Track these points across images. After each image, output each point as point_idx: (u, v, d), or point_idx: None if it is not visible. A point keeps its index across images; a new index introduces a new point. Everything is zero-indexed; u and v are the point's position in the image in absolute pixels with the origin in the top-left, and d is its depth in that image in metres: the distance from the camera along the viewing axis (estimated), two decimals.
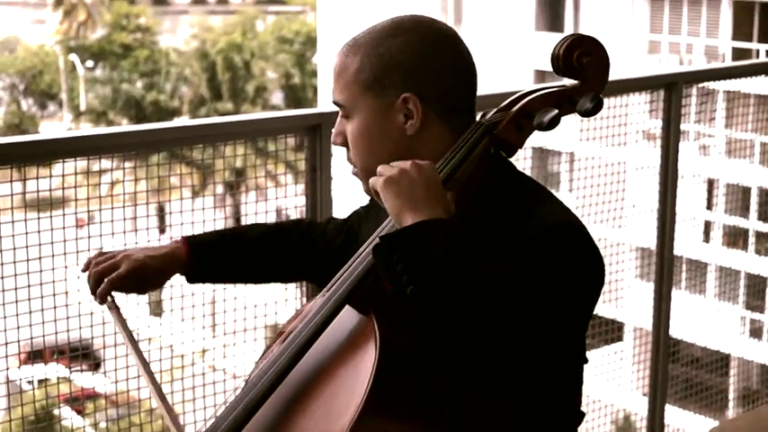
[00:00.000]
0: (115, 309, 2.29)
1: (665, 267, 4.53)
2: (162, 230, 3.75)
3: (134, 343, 2.20)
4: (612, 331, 5.13)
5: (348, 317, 1.96)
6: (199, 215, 3.48)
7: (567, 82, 2.05)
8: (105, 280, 2.31)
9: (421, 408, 1.83)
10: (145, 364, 2.17)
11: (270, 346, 2.19)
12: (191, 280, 2.44)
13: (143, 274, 2.33)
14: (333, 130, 2.13)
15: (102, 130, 4.87)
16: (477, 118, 2.07)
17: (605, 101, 4.41)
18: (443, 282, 1.76)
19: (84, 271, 2.39)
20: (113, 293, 2.33)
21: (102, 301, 2.31)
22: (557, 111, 1.97)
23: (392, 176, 1.89)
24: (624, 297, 4.92)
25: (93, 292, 2.34)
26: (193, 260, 2.38)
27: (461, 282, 1.77)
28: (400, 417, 1.81)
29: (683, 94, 4.54)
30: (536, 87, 2.07)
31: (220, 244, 2.43)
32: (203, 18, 53.97)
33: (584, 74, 2.02)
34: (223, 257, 2.42)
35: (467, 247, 1.80)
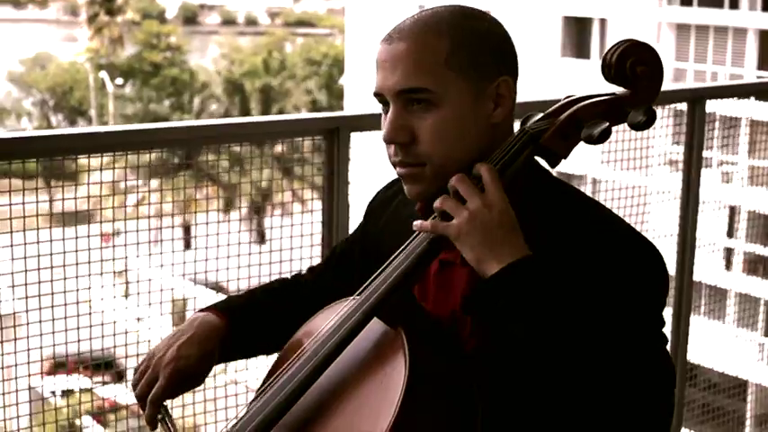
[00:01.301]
0: (168, 423, 2.02)
1: (683, 292, 4.52)
2: (187, 246, 3.76)
3: None
4: None
5: (376, 329, 1.82)
6: (224, 232, 3.49)
7: (618, 90, 1.89)
8: (148, 402, 2.02)
9: (450, 429, 1.74)
10: None
11: (283, 354, 2.03)
12: (225, 358, 2.13)
13: (187, 373, 2.04)
14: (388, 125, 1.87)
15: (121, 127, 4.88)
16: (518, 123, 1.93)
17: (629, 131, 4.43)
18: (552, 317, 1.67)
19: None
20: (165, 404, 2.05)
21: (152, 425, 2.02)
22: (608, 123, 1.82)
23: (462, 226, 1.74)
24: None
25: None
26: (232, 329, 2.10)
27: (564, 313, 1.68)
28: None
29: (707, 119, 4.52)
30: (585, 95, 1.90)
31: (246, 305, 2.18)
32: (232, 39, 54.18)
33: (636, 84, 1.86)
34: (254, 319, 2.17)
35: (552, 278, 1.71)
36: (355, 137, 3.49)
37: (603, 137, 1.82)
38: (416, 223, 1.81)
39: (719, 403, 5.61)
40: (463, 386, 1.76)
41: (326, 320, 1.89)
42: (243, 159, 3.78)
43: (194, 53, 52.63)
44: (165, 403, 2.04)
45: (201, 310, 2.12)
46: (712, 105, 4.64)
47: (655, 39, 25.48)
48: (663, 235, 4.68)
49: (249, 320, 2.15)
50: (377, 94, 1.91)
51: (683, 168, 4.48)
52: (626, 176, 4.68)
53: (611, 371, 1.69)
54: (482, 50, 1.85)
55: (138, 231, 3.42)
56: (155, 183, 3.60)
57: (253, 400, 1.93)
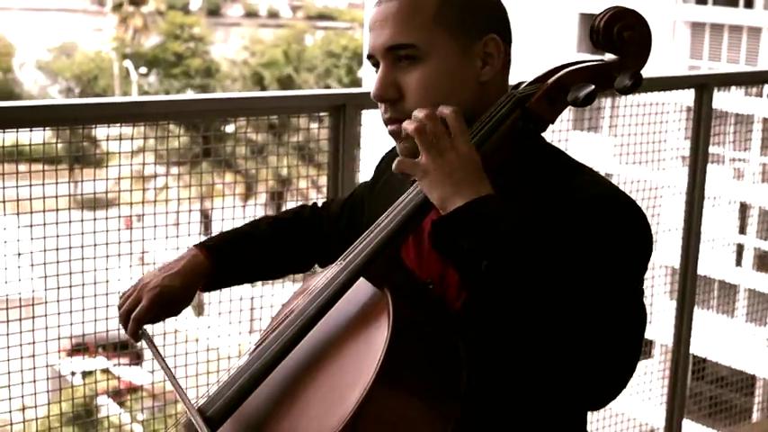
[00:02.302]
0: (149, 342, 2.14)
1: (687, 285, 4.50)
2: (206, 231, 3.77)
3: (169, 372, 2.02)
4: (643, 349, 5.10)
5: (362, 290, 1.82)
6: (241, 217, 3.49)
7: (606, 57, 1.89)
8: (131, 318, 2.13)
9: (433, 387, 1.73)
10: (181, 393, 1.96)
11: (276, 316, 2.06)
12: (208, 288, 2.26)
13: (168, 299, 2.15)
14: (376, 82, 1.88)
15: (134, 98, 4.88)
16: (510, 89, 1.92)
17: (643, 125, 4.42)
18: (514, 251, 1.66)
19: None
20: (145, 327, 2.17)
21: (135, 338, 2.15)
22: (593, 86, 1.81)
23: (428, 166, 1.73)
24: (656, 316, 4.89)
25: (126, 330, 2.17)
26: (216, 266, 2.20)
27: (527, 250, 1.66)
28: (411, 394, 1.71)
29: (719, 115, 4.50)
30: (573, 61, 1.90)
31: (236, 243, 2.26)
32: (254, 31, 54.21)
33: (624, 49, 1.85)
34: (243, 256, 2.25)
35: (520, 217, 1.70)
36: (368, 115, 3.48)
37: (589, 99, 1.81)
38: (395, 163, 1.79)
39: (727, 397, 5.60)
40: (448, 343, 1.75)
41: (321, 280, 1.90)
42: (263, 147, 3.79)
43: (217, 44, 52.69)
44: (145, 327, 2.17)
45: (195, 246, 2.22)
46: (725, 102, 4.62)
47: (670, 37, 25.39)
48: (674, 229, 4.67)
49: (236, 257, 2.24)
50: (369, 56, 1.92)
51: (689, 155, 4.45)
52: (639, 171, 4.68)
53: (582, 312, 1.68)
54: (470, 8, 1.86)
55: (160, 219, 3.43)
56: (175, 170, 3.60)
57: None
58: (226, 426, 1.88)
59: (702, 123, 4.39)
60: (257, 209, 4.00)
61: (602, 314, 1.70)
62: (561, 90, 1.85)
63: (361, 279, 1.83)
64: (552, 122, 1.88)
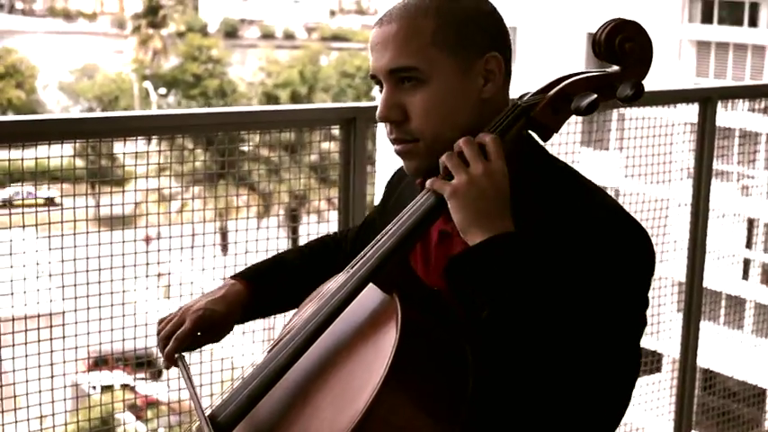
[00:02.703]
0: (184, 368, 2.10)
1: (693, 299, 4.48)
2: (224, 249, 3.77)
3: (198, 402, 2.05)
4: (652, 362, 5.09)
5: (371, 295, 1.82)
6: (261, 238, 3.49)
7: (609, 68, 1.89)
8: (172, 339, 2.10)
9: (440, 391, 1.72)
10: (195, 397, 1.95)
11: (292, 317, 2.06)
12: (244, 319, 2.23)
13: (211, 323, 2.13)
14: (381, 104, 1.88)
15: (150, 112, 4.89)
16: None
17: (650, 139, 4.41)
18: (516, 305, 1.66)
19: (157, 345, 2.19)
20: (183, 353, 2.13)
21: (171, 361, 2.10)
22: (595, 95, 1.81)
23: (459, 187, 1.74)
24: (664, 330, 4.87)
25: (163, 353, 2.13)
26: (254, 295, 2.20)
27: (535, 298, 1.67)
28: (419, 400, 1.69)
29: (727, 134, 4.49)
30: (577, 71, 1.91)
31: (270, 272, 2.27)
32: (270, 52, 54.37)
33: (625, 59, 1.85)
34: (277, 285, 2.25)
35: (533, 256, 1.70)
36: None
37: (591, 108, 1.82)
38: (428, 182, 1.79)
39: (737, 411, 5.57)
40: (455, 348, 1.75)
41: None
42: (278, 166, 3.78)
43: (234, 65, 52.86)
44: (184, 354, 2.13)
45: (231, 277, 2.23)
46: (731, 119, 4.60)
47: (676, 55, 25.37)
48: (681, 243, 4.66)
49: (272, 286, 2.25)
50: (372, 76, 1.92)
51: (694, 168, 4.43)
52: (646, 187, 4.67)
53: (581, 349, 1.68)
54: (468, 28, 1.85)
55: (177, 236, 3.43)
56: (196, 189, 3.61)
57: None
58: (237, 430, 1.87)
59: (707, 136, 4.38)
60: (273, 226, 3.99)
61: (599, 348, 1.71)
62: (565, 99, 1.85)
63: (371, 285, 1.83)
64: (556, 131, 1.88)
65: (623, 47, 1.84)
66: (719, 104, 4.41)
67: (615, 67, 1.88)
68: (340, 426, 1.67)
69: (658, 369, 5.10)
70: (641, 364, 1.81)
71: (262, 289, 2.22)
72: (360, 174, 3.47)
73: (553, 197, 1.82)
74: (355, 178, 3.47)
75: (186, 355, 2.14)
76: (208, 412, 1.91)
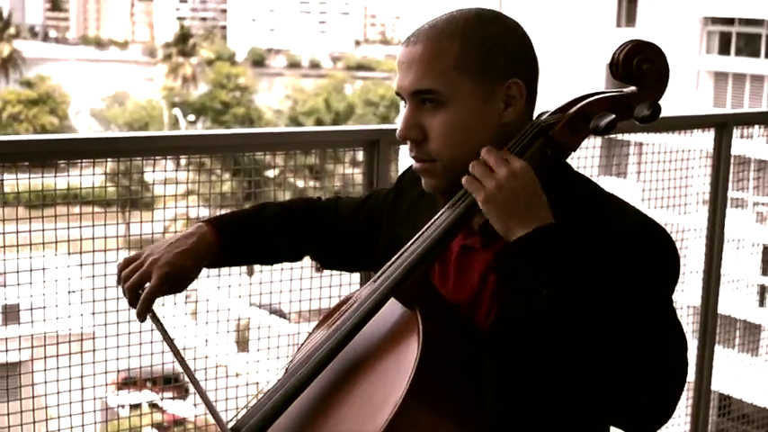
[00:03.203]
0: (155, 320, 2.07)
1: (708, 324, 4.46)
2: (250, 272, 3.78)
3: (175, 349, 2.00)
4: None
5: (393, 309, 1.82)
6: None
7: (626, 88, 1.88)
8: (141, 297, 2.05)
9: (461, 404, 1.72)
10: (188, 371, 1.97)
11: (312, 332, 2.02)
12: (214, 264, 2.18)
13: (177, 276, 2.07)
14: (402, 123, 1.88)
15: (174, 132, 4.88)
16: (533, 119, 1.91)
17: (669, 163, 4.40)
18: (573, 279, 1.69)
19: (118, 283, 2.15)
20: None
21: (143, 319, 2.06)
22: (614, 116, 1.81)
23: (489, 192, 1.75)
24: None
25: (131, 304, 2.08)
26: (224, 245, 2.14)
27: (583, 281, 1.70)
28: (440, 411, 1.70)
29: (742, 161, 4.47)
30: (594, 91, 1.91)
31: (244, 225, 2.20)
32: (296, 80, 54.61)
33: (643, 80, 1.84)
34: (249, 239, 2.20)
35: (575, 247, 1.72)
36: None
37: (609, 128, 1.81)
38: (463, 179, 1.80)
39: None
40: (475, 362, 1.75)
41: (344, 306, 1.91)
42: (306, 192, 3.79)
43: (261, 93, 53.09)
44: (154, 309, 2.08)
45: (205, 223, 2.16)
46: (747, 148, 4.59)
47: (694, 86, 25.34)
48: (698, 271, 4.64)
49: (244, 241, 2.19)
50: (397, 93, 1.92)
51: (710, 192, 4.41)
52: (664, 215, 4.66)
53: (627, 340, 1.70)
54: (492, 54, 1.84)
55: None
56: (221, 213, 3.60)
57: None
58: None
59: (722, 162, 4.36)
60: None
61: (646, 338, 1.72)
62: (583, 119, 1.85)
63: (392, 299, 1.83)
64: (574, 150, 1.88)
65: (641, 68, 1.83)
66: (736, 132, 4.40)
67: (632, 88, 1.87)
68: None
69: None
70: (685, 338, 1.81)
71: (233, 242, 2.16)
72: None
73: (578, 211, 1.83)
74: None
75: (158, 307, 2.11)
76: (231, 424, 1.91)
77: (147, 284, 2.06)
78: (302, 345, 2.04)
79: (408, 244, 1.85)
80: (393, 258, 1.86)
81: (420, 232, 1.84)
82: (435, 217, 1.84)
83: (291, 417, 1.87)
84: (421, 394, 1.67)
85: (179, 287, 2.11)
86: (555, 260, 1.70)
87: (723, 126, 4.34)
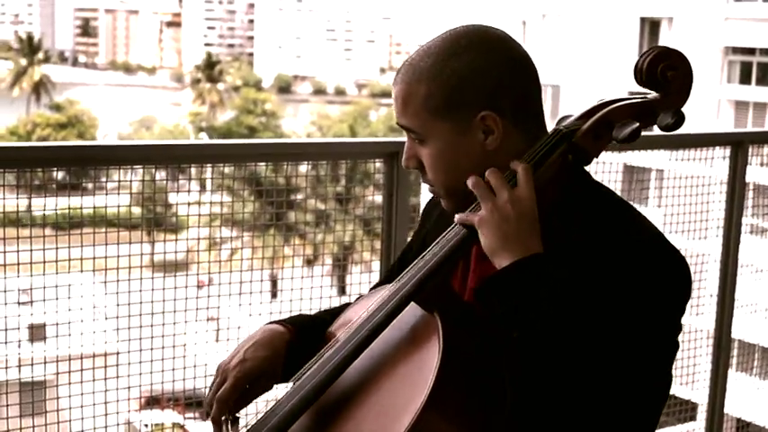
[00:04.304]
0: (228, 426, 1.94)
1: (722, 350, 4.43)
2: (274, 296, 3.79)
3: None
4: (687, 411, 5.04)
5: (412, 313, 1.81)
6: (307, 287, 3.50)
7: (650, 94, 1.85)
8: (215, 401, 1.94)
9: (481, 409, 1.71)
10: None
11: (333, 333, 1.98)
12: (290, 362, 1.99)
13: (256, 373, 1.96)
14: (403, 155, 1.92)
15: (196, 142, 4.90)
16: (555, 124, 1.88)
17: (687, 195, 4.40)
18: (545, 326, 1.65)
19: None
20: (238, 415, 1.97)
21: (218, 425, 1.94)
22: (637, 124, 1.78)
23: (484, 216, 1.74)
24: (699, 380, 4.83)
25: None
26: (297, 337, 2.02)
27: (564, 320, 1.66)
28: (460, 415, 1.69)
29: (761, 191, 4.45)
30: (618, 97, 1.87)
31: (311, 321, 2.10)
32: (322, 107, 54.80)
33: (667, 87, 1.81)
34: (318, 333, 2.06)
35: (563, 276, 1.70)
36: None
37: (633, 136, 1.79)
38: (456, 217, 1.81)
39: None
40: (494, 365, 1.73)
41: (362, 309, 1.88)
42: (327, 216, 3.80)
43: (287, 118, 53.28)
44: (238, 415, 1.97)
45: (267, 324, 2.07)
46: (765, 176, 4.57)
47: (714, 114, 25.27)
48: (713, 295, 4.62)
49: (314, 333, 2.05)
50: None
51: (725, 209, 4.39)
52: (684, 241, 4.64)
53: (609, 371, 1.67)
54: (458, 92, 1.82)
55: (227, 283, 3.45)
56: (246, 237, 3.63)
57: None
58: None
59: (737, 180, 4.34)
60: (318, 275, 4.01)
61: (627, 371, 1.69)
62: (606, 126, 1.83)
63: (412, 303, 1.82)
64: (596, 156, 1.85)
65: (665, 75, 1.81)
66: (756, 160, 4.39)
67: (656, 95, 1.84)
68: None
69: (693, 418, 5.04)
70: (670, 386, 1.79)
71: (305, 332, 2.05)
72: (402, 207, 3.44)
73: (594, 220, 1.81)
74: (398, 211, 3.44)
75: (243, 415, 1.96)
76: (244, 430, 1.89)
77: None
78: (323, 345, 1.95)
79: (429, 248, 1.84)
80: (413, 263, 1.85)
81: (440, 237, 1.84)
82: (451, 227, 1.83)
83: (311, 418, 1.85)
84: (441, 399, 1.66)
85: (259, 383, 1.98)
86: (529, 300, 1.67)
87: (739, 144, 4.33)
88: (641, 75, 1.82)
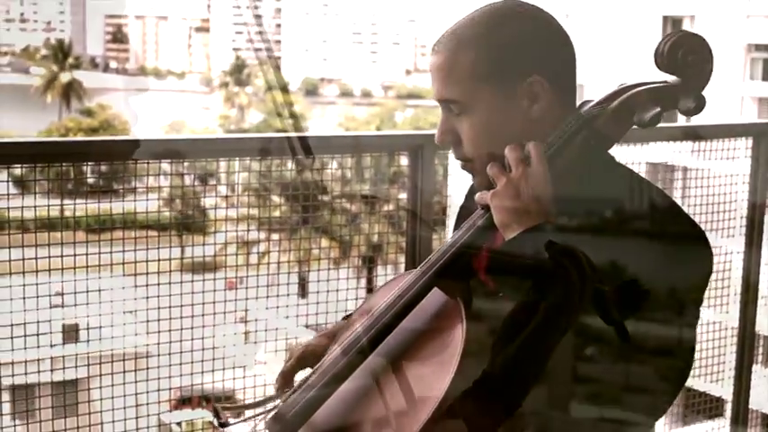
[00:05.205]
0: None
1: (746, 345, 4.40)
2: (303, 295, 3.79)
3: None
4: (715, 408, 5.02)
5: (436, 299, 1.81)
6: (335, 287, 3.50)
7: (670, 79, 1.83)
8: (279, 375, 2.06)
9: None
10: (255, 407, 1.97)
11: (356, 318, 2.01)
12: None
13: (312, 354, 2.06)
14: (437, 130, 1.91)
15: (226, 135, 4.91)
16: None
17: (713, 194, 4.37)
18: (547, 298, 1.64)
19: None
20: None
21: (278, 391, 2.03)
22: (658, 108, 1.78)
23: (497, 191, 1.75)
24: (727, 377, 4.80)
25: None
26: None
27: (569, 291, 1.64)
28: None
29: None
30: (638, 82, 1.86)
31: None
32: (349, 109, 54.85)
33: (687, 71, 1.80)
34: None
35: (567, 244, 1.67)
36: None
37: (654, 121, 1.78)
38: (476, 196, 1.81)
39: None
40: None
41: (385, 296, 1.88)
42: (356, 216, 3.79)
43: (314, 121, 53.37)
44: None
45: (342, 318, 2.17)
46: None
47: (738, 111, 25.11)
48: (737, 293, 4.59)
49: None
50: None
51: (747, 199, 4.35)
52: (711, 240, 4.61)
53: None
54: (507, 56, 1.82)
55: (254, 286, 3.46)
56: (276, 237, 3.63)
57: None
58: (302, 430, 1.86)
59: (760, 170, 4.31)
60: (343, 278, 4.01)
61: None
62: (628, 110, 1.82)
63: (435, 289, 1.82)
64: (617, 141, 1.85)
65: (686, 59, 1.80)
66: None
67: (676, 79, 1.83)
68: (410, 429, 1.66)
69: (721, 414, 5.02)
70: (694, 352, 1.79)
71: None
72: (427, 200, 3.42)
73: (618, 200, 1.81)
74: (422, 204, 3.42)
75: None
76: (274, 412, 1.90)
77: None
78: (347, 329, 2.00)
79: (452, 235, 1.85)
80: (436, 250, 1.85)
81: (464, 223, 1.84)
82: (475, 213, 1.84)
83: (333, 404, 1.85)
84: (465, 381, 1.64)
85: (316, 360, 2.04)
86: (533, 268, 1.68)
87: (761, 135, 4.29)
88: (662, 59, 1.80)
